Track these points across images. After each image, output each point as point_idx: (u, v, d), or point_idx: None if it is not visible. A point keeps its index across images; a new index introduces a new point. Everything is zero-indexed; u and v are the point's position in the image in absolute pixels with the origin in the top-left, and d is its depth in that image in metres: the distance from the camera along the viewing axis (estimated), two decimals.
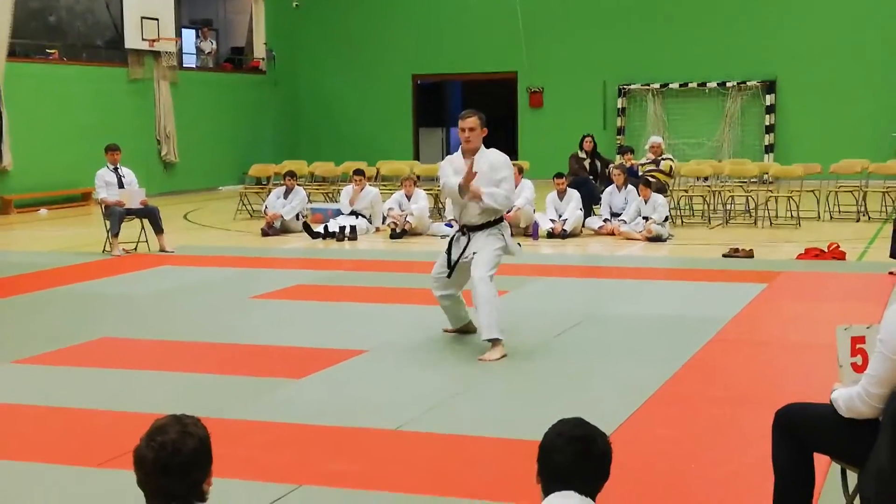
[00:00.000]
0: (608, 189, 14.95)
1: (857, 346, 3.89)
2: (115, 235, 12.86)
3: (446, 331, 8.10)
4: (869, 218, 15.74)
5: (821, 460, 3.96)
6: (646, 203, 14.06)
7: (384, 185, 18.04)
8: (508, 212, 13.72)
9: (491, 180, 7.41)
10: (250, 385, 6.72)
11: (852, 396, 3.70)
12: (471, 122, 7.46)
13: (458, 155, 7.64)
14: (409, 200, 14.93)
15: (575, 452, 2.84)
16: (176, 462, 2.72)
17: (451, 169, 7.59)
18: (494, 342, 7.34)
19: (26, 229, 16.54)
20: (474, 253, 7.44)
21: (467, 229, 7.54)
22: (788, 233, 14.50)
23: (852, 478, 3.86)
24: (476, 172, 7.31)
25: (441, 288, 7.77)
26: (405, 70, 25.68)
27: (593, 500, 2.85)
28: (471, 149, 7.51)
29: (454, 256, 7.56)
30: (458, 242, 7.59)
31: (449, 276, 7.65)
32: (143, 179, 14.97)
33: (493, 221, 7.53)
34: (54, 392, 6.65)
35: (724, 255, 12.15)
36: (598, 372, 6.97)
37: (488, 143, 7.67)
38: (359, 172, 15.56)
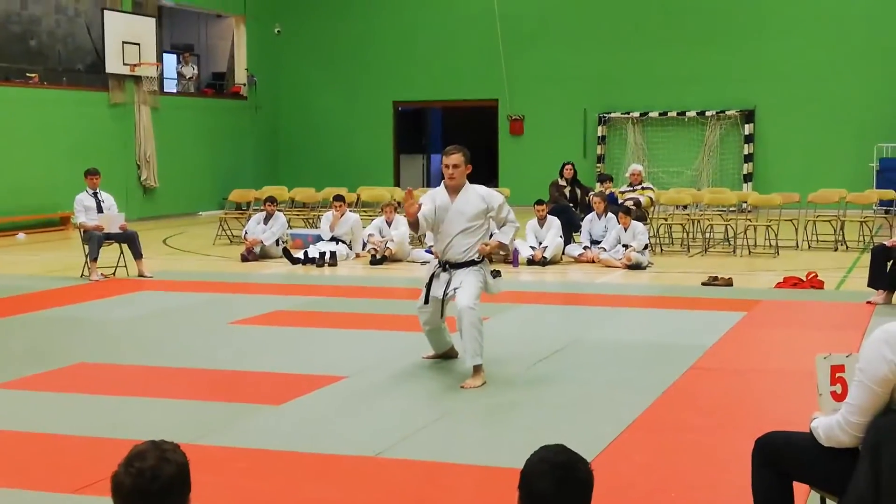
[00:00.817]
0: (588, 217, 14.98)
1: (837, 374, 3.90)
2: (94, 260, 12.80)
3: (425, 357, 8.08)
4: (847, 247, 15.83)
5: (800, 489, 3.97)
6: (626, 231, 14.10)
7: (365, 211, 18.03)
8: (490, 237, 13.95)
9: (468, 216, 7.40)
10: (229, 411, 6.68)
11: (832, 425, 3.71)
12: (455, 158, 7.42)
13: (441, 191, 7.57)
14: (389, 226, 14.93)
15: (557, 479, 2.83)
16: (154, 488, 2.69)
17: (430, 203, 7.52)
18: (477, 369, 7.33)
19: (4, 253, 16.44)
20: (455, 289, 7.41)
21: (449, 266, 7.53)
22: (767, 261, 14.56)
23: None
24: (414, 202, 7.20)
25: (425, 318, 7.76)
26: (386, 97, 25.74)
27: None
28: (455, 185, 7.48)
29: (434, 292, 7.52)
30: (438, 279, 7.55)
31: (426, 304, 7.63)
32: (123, 204, 14.93)
33: (475, 260, 7.51)
34: (30, 417, 6.59)
35: (704, 284, 12.19)
36: (578, 399, 6.96)
37: (472, 169, 7.63)
38: (339, 198, 15.55)
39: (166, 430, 5.42)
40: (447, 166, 7.44)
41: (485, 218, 7.53)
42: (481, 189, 7.62)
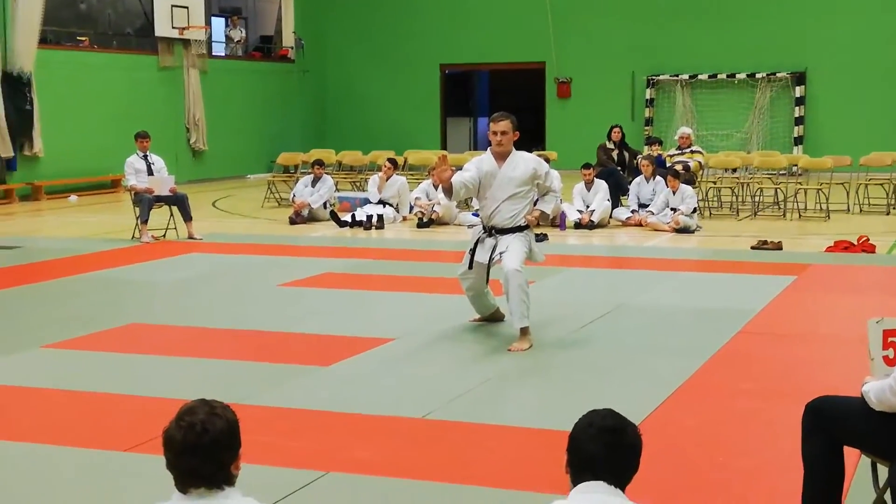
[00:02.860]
0: (636, 180, 14.88)
1: (889, 339, 3.86)
2: (145, 222, 12.92)
3: (473, 320, 8.10)
4: None
5: (851, 454, 3.94)
6: (674, 194, 14.00)
7: (412, 174, 18.03)
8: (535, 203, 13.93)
9: (517, 182, 7.40)
10: (278, 372, 6.74)
11: (884, 389, 3.67)
12: (503, 125, 7.42)
13: (487, 157, 7.55)
14: (436, 189, 14.90)
15: (605, 443, 2.83)
16: (204, 442, 2.73)
17: (474, 168, 7.50)
18: (524, 331, 7.33)
19: (56, 215, 16.65)
20: (501, 253, 7.41)
21: (495, 231, 7.53)
22: (817, 225, 14.40)
23: (883, 471, 3.83)
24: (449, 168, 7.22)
25: (467, 284, 7.77)
26: (433, 59, 25.64)
27: (623, 490, 2.84)
28: (502, 152, 7.48)
29: (479, 258, 7.52)
30: (483, 244, 7.55)
31: (470, 269, 7.64)
32: (172, 167, 15.03)
33: (520, 226, 7.51)
34: (83, 377, 6.69)
35: (753, 248, 12.08)
36: (625, 363, 6.95)
37: (518, 132, 7.61)
38: (392, 161, 15.56)
39: (216, 391, 5.46)
40: (495, 133, 7.43)
41: (532, 184, 7.53)
42: (528, 156, 7.63)
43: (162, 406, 5.32)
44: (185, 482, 2.78)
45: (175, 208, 13.26)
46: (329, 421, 5.70)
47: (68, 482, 4.87)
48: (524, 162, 7.52)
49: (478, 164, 7.56)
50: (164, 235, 13.24)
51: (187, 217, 13.16)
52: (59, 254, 12.00)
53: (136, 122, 17.36)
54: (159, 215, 13.31)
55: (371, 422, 5.67)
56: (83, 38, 20.38)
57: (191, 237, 13.09)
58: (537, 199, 7.73)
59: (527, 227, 7.57)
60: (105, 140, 19.44)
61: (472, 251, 7.60)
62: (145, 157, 13.31)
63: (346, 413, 5.82)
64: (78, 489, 4.79)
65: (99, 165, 19.71)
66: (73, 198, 18.81)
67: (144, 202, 12.91)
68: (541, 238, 12.98)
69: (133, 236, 13.14)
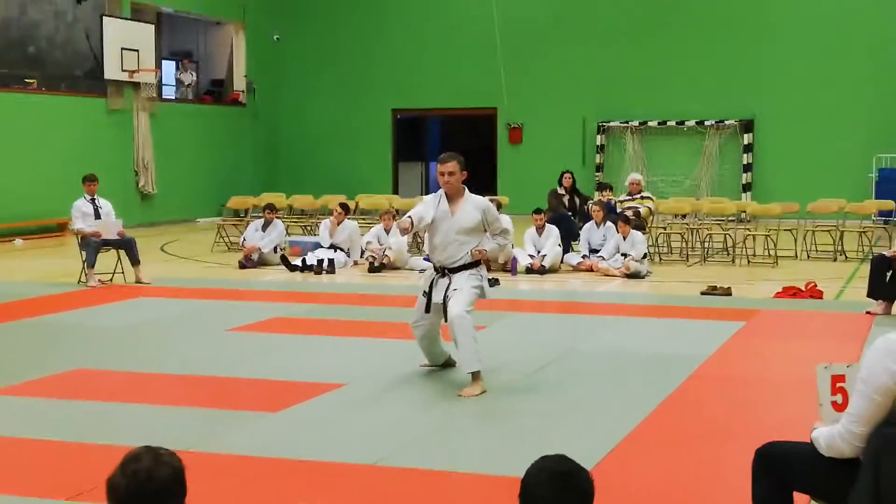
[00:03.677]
0: (587, 225, 14.96)
1: (838, 384, 3.89)
2: (92, 266, 12.77)
3: (423, 365, 8.06)
4: (846, 257, 15.82)
5: (801, 499, 3.94)
6: (624, 240, 14.09)
7: (363, 219, 18.01)
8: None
9: (467, 228, 7.45)
10: (226, 418, 6.65)
11: (833, 435, 3.69)
12: (450, 165, 7.46)
13: (441, 196, 7.56)
14: (387, 234, 14.90)
15: (557, 489, 2.81)
16: (149, 490, 2.68)
17: (428, 207, 7.52)
18: (475, 376, 7.31)
19: (1, 259, 16.41)
20: (454, 289, 7.42)
21: (448, 271, 7.53)
22: (766, 271, 14.55)
23: None
24: (407, 228, 7.38)
25: (420, 332, 7.74)
26: (385, 104, 25.73)
27: None
28: (452, 192, 7.51)
29: (436, 299, 7.51)
30: (437, 286, 7.55)
31: (427, 312, 7.62)
32: (121, 210, 14.89)
33: (471, 263, 7.52)
34: (27, 423, 6.57)
35: (703, 293, 12.17)
36: (576, 408, 6.94)
37: (470, 177, 7.68)
38: (343, 206, 15.53)
39: (163, 437, 5.39)
40: (442, 174, 7.47)
41: (481, 229, 7.55)
42: (477, 200, 7.63)
43: (107, 453, 5.21)
44: None
45: (123, 252, 13.12)
46: (278, 468, 5.62)
47: None
48: (474, 207, 7.53)
49: (433, 202, 7.57)
50: (111, 280, 13.09)
51: (135, 261, 13.03)
52: (3, 297, 11.81)
53: (85, 164, 17.20)
54: (107, 259, 13.17)
55: (321, 468, 5.61)
56: (31, 80, 20.22)
57: (139, 281, 12.95)
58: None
59: (478, 263, 7.58)
60: (52, 183, 19.24)
61: (428, 294, 7.58)
62: (93, 200, 13.18)
63: (296, 460, 5.75)
64: None
65: (45, 208, 19.49)
66: (19, 241, 18.56)
67: (91, 246, 12.77)
68: (492, 283, 12.99)
69: (80, 280, 12.98)
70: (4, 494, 5.18)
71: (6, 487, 5.28)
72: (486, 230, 7.60)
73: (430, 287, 7.58)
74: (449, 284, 7.47)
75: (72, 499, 5.09)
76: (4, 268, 15.24)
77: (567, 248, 15.05)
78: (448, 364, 7.99)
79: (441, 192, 7.60)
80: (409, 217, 7.42)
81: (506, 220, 14.38)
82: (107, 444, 5.91)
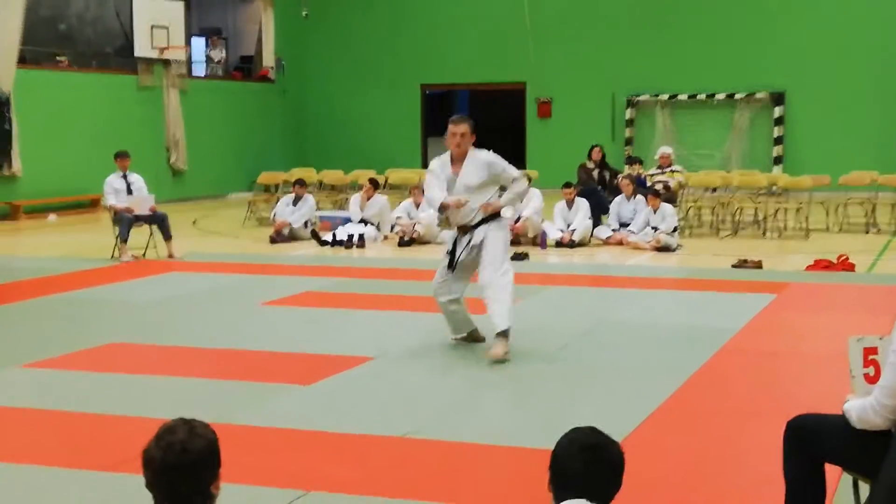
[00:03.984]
0: (617, 199, 14.92)
1: (870, 356, 3.87)
2: (124, 242, 12.87)
3: (454, 339, 8.08)
4: (878, 230, 15.70)
5: (832, 471, 3.94)
6: (655, 213, 14.04)
7: (393, 194, 18.03)
8: (516, 222, 13.99)
9: (476, 186, 7.52)
10: (258, 391, 6.71)
11: (865, 407, 3.68)
12: (463, 127, 7.55)
13: (446, 162, 7.66)
14: (417, 209, 14.91)
15: (588, 461, 2.82)
16: (184, 462, 2.71)
17: (438, 179, 7.61)
18: (504, 335, 7.33)
19: (35, 235, 16.56)
20: (481, 243, 7.51)
21: (468, 228, 7.60)
22: (797, 244, 14.46)
23: (864, 489, 3.83)
24: (466, 201, 7.44)
25: (445, 293, 7.76)
26: (414, 79, 25.68)
27: None
28: (461, 153, 7.58)
29: (462, 256, 7.59)
30: (460, 242, 7.63)
31: (453, 270, 7.66)
32: (153, 186, 14.96)
33: (489, 217, 7.59)
34: (63, 396, 6.65)
35: (733, 266, 12.12)
36: (606, 381, 6.95)
37: (499, 152, 7.76)
38: (373, 182, 15.56)
39: (196, 409, 5.44)
40: (455, 135, 7.54)
41: (492, 182, 7.62)
42: (481, 155, 7.64)
43: (142, 425, 5.28)
44: (164, 501, 2.75)
45: (155, 227, 13.22)
46: (310, 440, 5.67)
47: (47, 502, 4.82)
48: (478, 166, 7.55)
49: (442, 166, 7.65)
50: (143, 255, 13.19)
51: (167, 236, 13.12)
52: (38, 273, 11.93)
53: (116, 141, 17.30)
54: (139, 235, 13.26)
55: (352, 441, 5.65)
56: (62, 59, 20.32)
57: (171, 256, 13.04)
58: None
59: (497, 215, 7.64)
60: (84, 159, 19.36)
61: (451, 252, 7.65)
62: (125, 176, 13.27)
63: (327, 432, 5.80)
64: None
65: (78, 185, 19.62)
66: (52, 217, 18.72)
67: (124, 221, 12.87)
68: (522, 257, 13.00)
69: (112, 256, 13.08)
70: (42, 465, 5.26)
71: (44, 459, 5.36)
72: (494, 185, 7.66)
73: (454, 245, 7.65)
74: (470, 240, 7.56)
75: (109, 469, 5.16)
76: (38, 243, 15.38)
77: (597, 222, 15.02)
78: (476, 338, 8.00)
79: (445, 157, 7.65)
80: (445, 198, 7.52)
81: (535, 195, 14.50)
82: (142, 416, 5.98)
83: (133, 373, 7.24)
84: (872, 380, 3.79)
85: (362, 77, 25.79)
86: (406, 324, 8.88)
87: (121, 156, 13.36)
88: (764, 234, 15.46)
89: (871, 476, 3.68)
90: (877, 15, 21.94)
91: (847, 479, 4.06)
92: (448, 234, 14.32)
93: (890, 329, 4.04)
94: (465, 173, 7.53)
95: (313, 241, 14.81)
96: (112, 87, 20.86)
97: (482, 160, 7.58)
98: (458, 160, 7.59)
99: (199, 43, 24.65)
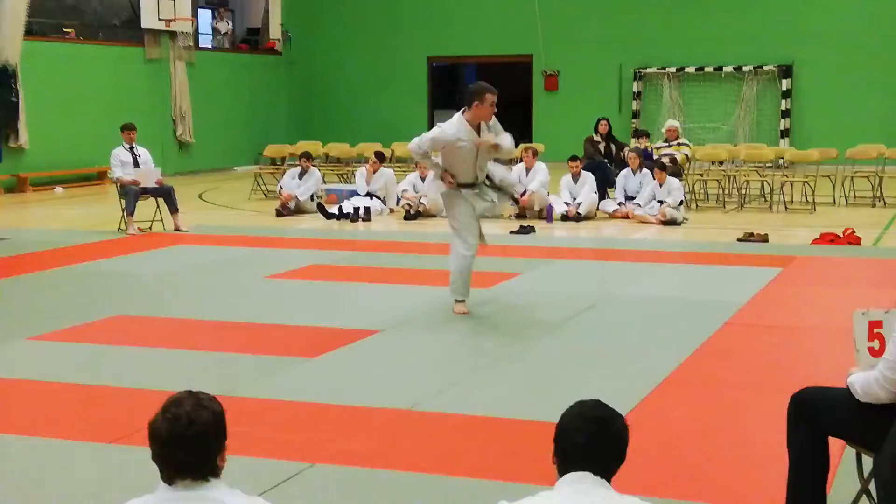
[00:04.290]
0: (623, 172, 14.89)
1: (875, 330, 3.88)
2: (131, 214, 12.89)
3: (457, 312, 8.11)
4: (885, 203, 15.66)
5: (835, 444, 3.95)
6: (661, 187, 14.01)
7: (399, 167, 18.01)
8: (522, 195, 13.99)
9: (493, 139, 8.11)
10: (265, 364, 6.73)
11: (869, 381, 3.68)
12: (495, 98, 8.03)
13: (463, 127, 7.95)
14: (423, 182, 14.90)
15: (592, 433, 2.83)
16: (190, 434, 2.73)
17: (452, 134, 8.00)
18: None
19: (42, 207, 16.59)
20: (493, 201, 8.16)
21: (474, 185, 8.12)
22: (804, 218, 14.44)
23: (867, 462, 3.84)
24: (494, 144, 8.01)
25: (474, 251, 8.16)
26: (420, 52, 25.59)
27: (609, 481, 2.84)
28: (490, 120, 8.08)
29: (479, 208, 8.11)
30: (472, 195, 8.08)
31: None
32: (159, 159, 14.97)
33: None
34: (68, 369, 6.68)
35: (739, 240, 12.11)
36: (612, 354, 6.96)
37: (504, 125, 8.20)
38: (379, 155, 15.54)
39: (203, 382, 5.46)
40: (493, 104, 7.99)
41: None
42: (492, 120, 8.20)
43: (148, 398, 5.29)
44: (170, 474, 2.77)
45: (161, 200, 13.23)
46: (316, 412, 5.69)
47: (53, 474, 4.86)
48: (492, 129, 8.09)
49: (455, 133, 7.95)
50: (150, 227, 13.21)
51: (174, 209, 13.13)
52: (44, 245, 11.96)
53: (123, 113, 17.26)
54: (146, 207, 13.28)
55: (358, 413, 5.67)
56: (69, 30, 20.29)
57: (177, 229, 13.06)
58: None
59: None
60: (91, 132, 19.36)
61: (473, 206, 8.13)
62: (131, 148, 13.28)
63: (333, 405, 5.82)
64: (63, 481, 4.77)
65: (85, 157, 19.63)
66: (59, 189, 18.74)
67: (131, 194, 12.88)
68: (528, 230, 13.00)
69: (119, 228, 13.11)
70: (50, 437, 5.29)
71: (51, 431, 5.39)
72: None
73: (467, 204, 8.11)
74: (478, 192, 8.11)
75: (115, 442, 5.19)
76: (45, 216, 15.41)
77: (603, 196, 14.99)
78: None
79: (462, 124, 7.95)
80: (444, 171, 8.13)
81: (541, 168, 14.48)
82: (148, 388, 6.00)
83: (139, 345, 7.26)
84: (877, 353, 3.79)
85: (369, 49, 25.70)
86: (412, 297, 8.89)
87: (127, 128, 13.36)
88: (770, 207, 15.43)
89: (874, 449, 3.69)
90: None
91: (850, 452, 4.07)
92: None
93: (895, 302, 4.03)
94: (485, 137, 7.98)
95: (319, 215, 14.81)
96: (119, 59, 20.83)
97: (492, 124, 8.10)
98: (475, 127, 7.98)
99: (205, 15, 24.59)
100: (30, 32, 18.88)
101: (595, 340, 7.35)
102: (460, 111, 8.00)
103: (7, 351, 7.15)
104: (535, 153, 14.84)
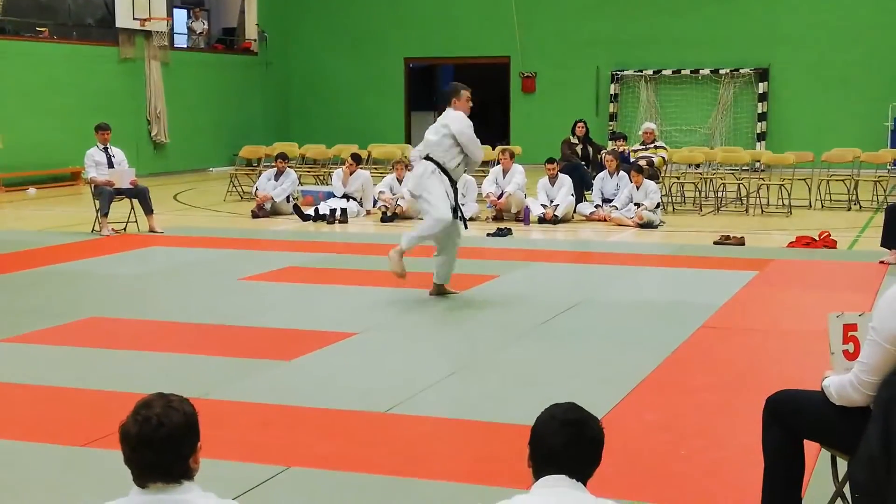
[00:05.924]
0: (600, 175, 14.92)
1: (849, 333, 3.88)
2: (105, 215, 12.81)
3: (433, 294, 8.77)
4: (860, 207, 15.75)
5: (811, 447, 3.96)
6: (637, 189, 14.04)
7: (375, 169, 17.98)
8: (499, 197, 14.00)
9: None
10: (239, 366, 6.69)
11: (844, 384, 3.69)
12: None
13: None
14: (400, 184, 14.87)
15: (567, 436, 2.82)
16: (160, 436, 2.70)
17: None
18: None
19: (15, 208, 16.46)
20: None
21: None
22: (779, 221, 14.50)
23: (842, 465, 3.85)
24: None
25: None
26: (398, 53, 25.58)
27: (584, 484, 2.83)
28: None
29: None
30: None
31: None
32: (133, 159, 14.90)
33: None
34: (42, 371, 6.62)
35: (716, 243, 12.14)
36: (588, 357, 6.96)
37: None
38: (355, 157, 15.50)
39: (176, 385, 5.42)
40: (469, 98, 8.75)
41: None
42: None
43: (122, 400, 5.25)
44: (142, 477, 2.74)
45: (136, 201, 13.14)
46: (291, 415, 5.66)
47: (24, 477, 4.81)
48: None
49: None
50: (124, 229, 13.13)
51: (148, 210, 13.06)
52: (17, 246, 11.86)
53: (97, 113, 17.18)
54: (120, 208, 13.20)
55: (334, 416, 5.64)
56: (43, 29, 20.15)
57: (152, 230, 12.98)
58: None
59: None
60: (65, 132, 19.23)
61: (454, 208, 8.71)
62: (106, 149, 13.19)
63: (309, 407, 5.79)
64: (34, 484, 4.72)
65: (58, 158, 19.50)
66: (32, 190, 18.59)
67: (105, 195, 12.80)
68: (505, 232, 13.00)
69: (93, 229, 13.02)
70: (19, 441, 5.23)
71: (21, 434, 5.34)
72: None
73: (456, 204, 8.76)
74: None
75: (88, 444, 5.14)
76: (18, 217, 15.30)
77: (580, 198, 15.01)
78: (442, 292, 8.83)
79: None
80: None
81: (518, 170, 14.49)
82: (120, 391, 5.96)
83: (113, 348, 7.21)
84: (852, 356, 3.79)
85: (346, 50, 25.67)
86: (389, 299, 8.87)
87: (101, 128, 13.27)
88: (746, 210, 15.49)
89: (848, 452, 3.70)
90: None
91: (825, 455, 4.07)
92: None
93: (870, 306, 4.05)
94: None
95: (295, 216, 14.77)
96: (93, 58, 20.69)
97: None
98: None
99: (180, 14, 24.48)
100: (3, 31, 18.77)
101: (571, 343, 7.35)
102: (440, 113, 8.52)
103: None
104: (513, 155, 14.85)
